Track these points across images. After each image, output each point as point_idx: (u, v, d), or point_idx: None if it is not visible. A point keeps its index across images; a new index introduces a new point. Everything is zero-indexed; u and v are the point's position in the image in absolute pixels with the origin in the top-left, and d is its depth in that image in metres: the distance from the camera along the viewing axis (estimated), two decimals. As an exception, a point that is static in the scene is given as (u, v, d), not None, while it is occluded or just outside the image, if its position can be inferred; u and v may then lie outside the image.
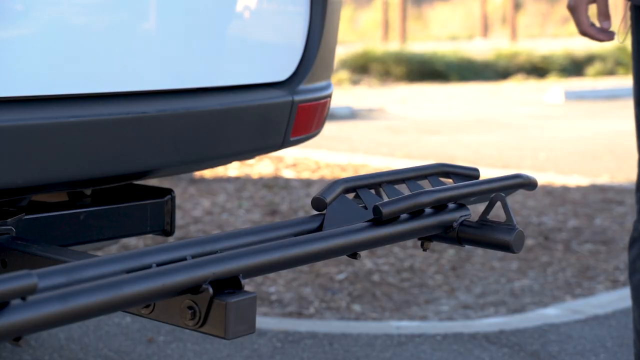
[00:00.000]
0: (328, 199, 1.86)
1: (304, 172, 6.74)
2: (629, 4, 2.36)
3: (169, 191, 2.19)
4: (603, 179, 6.54)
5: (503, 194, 1.94)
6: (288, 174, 6.66)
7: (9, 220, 1.86)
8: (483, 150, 7.92)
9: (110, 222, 2.11)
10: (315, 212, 1.88)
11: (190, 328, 1.51)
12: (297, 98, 2.31)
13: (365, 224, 1.79)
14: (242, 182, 6.26)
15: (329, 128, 8.75)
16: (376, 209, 1.78)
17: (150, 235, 3.74)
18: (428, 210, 1.88)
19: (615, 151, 7.83)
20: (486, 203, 1.97)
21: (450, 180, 2.09)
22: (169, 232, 2.21)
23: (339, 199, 1.88)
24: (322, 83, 2.47)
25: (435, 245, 4.56)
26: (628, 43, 2.41)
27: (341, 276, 4.17)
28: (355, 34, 20.17)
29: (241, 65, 2.23)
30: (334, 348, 3.27)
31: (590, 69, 15.49)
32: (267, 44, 2.29)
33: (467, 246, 1.96)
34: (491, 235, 1.89)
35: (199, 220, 5.19)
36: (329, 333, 3.41)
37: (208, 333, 1.49)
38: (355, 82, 13.99)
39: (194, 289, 1.47)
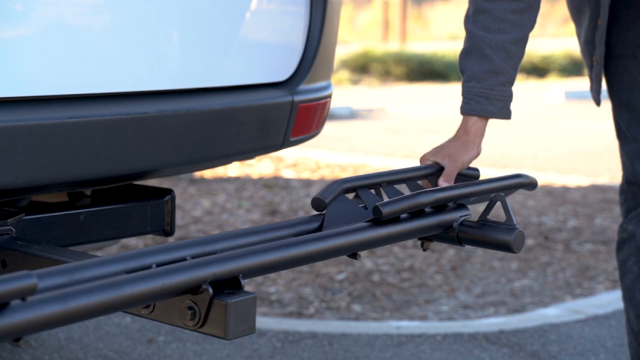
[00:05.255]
0: (328, 199, 1.86)
1: (304, 172, 6.74)
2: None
3: (169, 191, 2.19)
4: (603, 179, 6.54)
5: (503, 194, 1.94)
6: (288, 174, 6.65)
7: (9, 220, 1.86)
8: (483, 150, 7.91)
9: (110, 223, 2.11)
10: (315, 212, 1.88)
11: (190, 328, 1.51)
12: (297, 98, 2.31)
13: (365, 224, 1.79)
14: (242, 182, 6.26)
15: (329, 128, 8.75)
16: (376, 209, 1.78)
17: (150, 235, 3.73)
18: (428, 210, 1.88)
19: (615, 151, 7.81)
20: (486, 203, 1.97)
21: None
22: (169, 232, 2.21)
23: (339, 199, 1.88)
24: (322, 83, 2.47)
25: (435, 245, 4.56)
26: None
27: (341, 276, 4.17)
28: (355, 34, 20.17)
29: (241, 66, 2.23)
30: (334, 348, 3.27)
31: (590, 69, 15.48)
32: (267, 44, 2.29)
33: (467, 246, 1.96)
34: (491, 235, 1.89)
35: (199, 220, 5.19)
36: (329, 333, 3.41)
37: (208, 333, 1.49)
38: (355, 82, 13.99)
39: (193, 289, 1.47)
